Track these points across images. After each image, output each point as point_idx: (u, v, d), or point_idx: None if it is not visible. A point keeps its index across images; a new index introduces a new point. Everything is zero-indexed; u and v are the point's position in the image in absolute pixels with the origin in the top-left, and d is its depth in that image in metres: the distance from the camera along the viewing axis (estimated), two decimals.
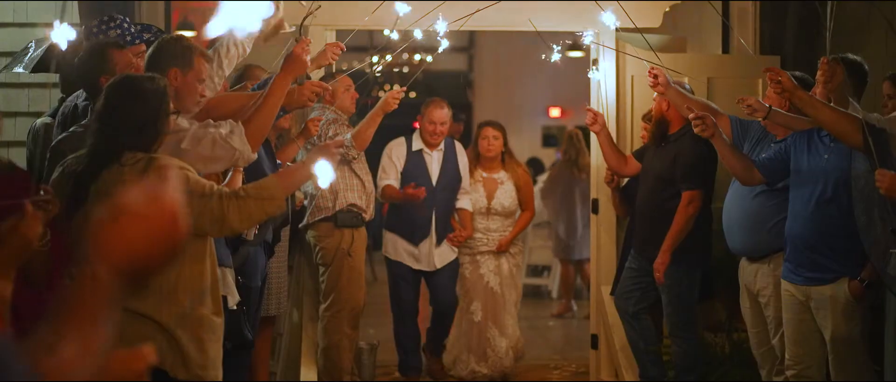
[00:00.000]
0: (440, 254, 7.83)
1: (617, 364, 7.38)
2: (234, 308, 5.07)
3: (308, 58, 4.88)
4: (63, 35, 4.17)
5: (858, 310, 5.49)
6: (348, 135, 6.94)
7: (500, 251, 8.06)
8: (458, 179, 7.98)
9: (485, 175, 8.16)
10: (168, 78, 4.41)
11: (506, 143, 8.22)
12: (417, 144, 7.89)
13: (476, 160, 8.19)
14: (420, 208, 7.73)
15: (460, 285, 8.09)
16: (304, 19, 5.45)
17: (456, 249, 7.92)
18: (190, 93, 4.57)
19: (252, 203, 4.04)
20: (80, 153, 4.10)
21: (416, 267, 7.81)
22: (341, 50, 5.85)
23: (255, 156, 4.66)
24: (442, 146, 7.92)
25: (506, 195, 8.09)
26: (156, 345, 3.86)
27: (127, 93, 4.05)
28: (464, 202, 8.02)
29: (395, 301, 7.90)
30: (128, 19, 5.61)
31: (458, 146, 8.17)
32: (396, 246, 7.84)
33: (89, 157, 4.01)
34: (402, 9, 5.98)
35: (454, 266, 7.95)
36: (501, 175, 8.16)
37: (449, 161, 7.95)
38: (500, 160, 8.21)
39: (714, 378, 6.99)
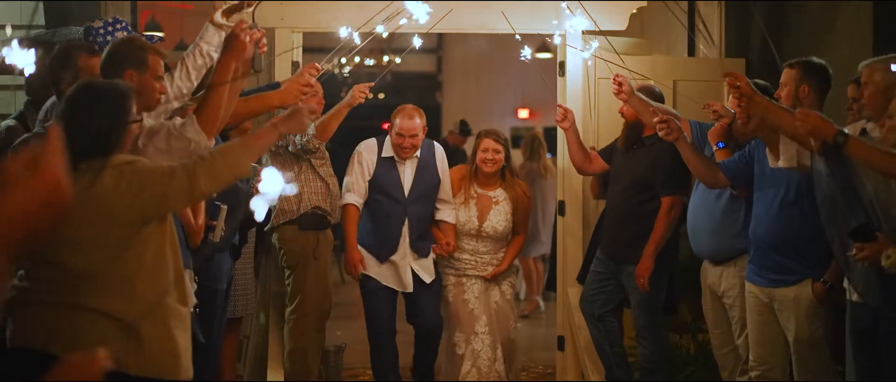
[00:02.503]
0: (416, 273, 7.18)
1: (582, 366, 7.40)
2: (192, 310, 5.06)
3: (247, 38, 4.81)
4: (21, 58, 4.10)
5: (821, 311, 5.54)
6: (311, 126, 6.92)
7: (490, 279, 7.24)
8: (435, 188, 7.24)
9: (479, 191, 7.28)
10: (124, 79, 4.40)
11: (508, 158, 7.29)
12: (388, 150, 7.16)
13: (473, 174, 7.30)
14: (389, 221, 7.17)
15: (443, 309, 7.32)
16: (254, 9, 5.39)
17: (431, 266, 7.20)
18: (149, 92, 4.56)
19: (219, 162, 3.99)
20: None
21: (386, 284, 7.16)
22: (318, 71, 5.89)
23: (213, 143, 4.62)
24: (418, 152, 7.16)
25: (500, 217, 7.22)
26: (117, 344, 3.85)
27: (84, 101, 4.02)
28: (444, 213, 7.28)
29: (370, 320, 7.24)
30: (129, 24, 5.59)
31: (438, 149, 7.37)
32: (368, 260, 7.19)
33: None
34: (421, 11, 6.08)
35: (435, 285, 7.26)
36: (498, 193, 7.27)
37: (426, 168, 7.22)
38: (500, 176, 7.29)
39: (680, 379, 7.02)
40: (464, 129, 14.05)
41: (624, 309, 7.12)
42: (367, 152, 7.18)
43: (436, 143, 7.43)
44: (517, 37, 6.66)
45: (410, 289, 7.15)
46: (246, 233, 6.53)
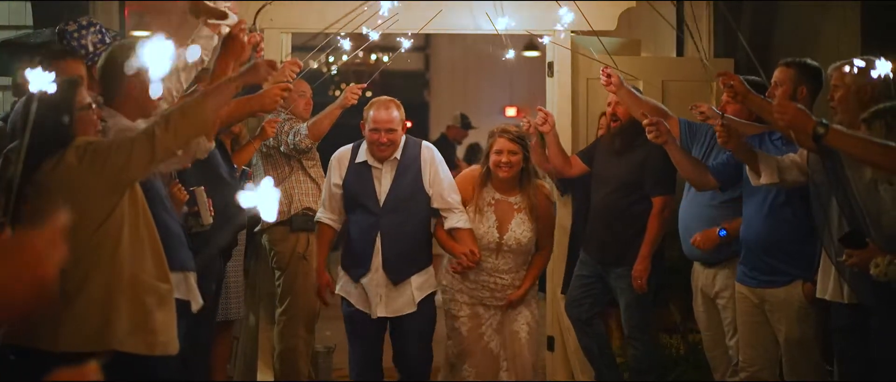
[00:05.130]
0: (394, 299, 6.17)
1: (572, 366, 7.41)
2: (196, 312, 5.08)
3: (246, 38, 4.86)
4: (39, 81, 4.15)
5: (811, 312, 5.54)
6: (304, 125, 6.92)
7: (511, 307, 6.34)
8: (421, 198, 6.20)
9: (498, 197, 6.33)
10: (127, 86, 4.43)
11: (527, 158, 6.33)
12: (363, 155, 6.21)
13: (486, 177, 6.35)
14: (361, 236, 6.22)
15: (455, 341, 6.33)
16: (257, 15, 5.43)
17: (409, 300, 6.17)
18: (148, 97, 4.58)
19: (178, 119, 3.99)
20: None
21: (358, 306, 6.21)
22: (299, 67, 5.88)
23: (213, 144, 4.66)
24: (397, 154, 6.19)
25: (523, 226, 6.29)
26: (93, 324, 3.96)
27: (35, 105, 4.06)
28: (455, 220, 6.25)
29: (351, 353, 6.33)
30: (102, 25, 5.56)
31: (427, 150, 6.32)
32: (348, 284, 6.29)
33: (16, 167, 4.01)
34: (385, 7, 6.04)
35: (425, 314, 6.23)
36: (518, 199, 6.35)
37: (407, 173, 6.21)
38: (518, 181, 6.34)
39: (670, 380, 7.03)
40: (465, 123, 13.86)
41: (609, 311, 7.13)
42: (337, 160, 6.31)
43: (425, 143, 6.44)
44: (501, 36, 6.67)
45: (376, 315, 6.14)
46: (236, 235, 6.51)
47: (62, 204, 3.92)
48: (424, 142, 6.45)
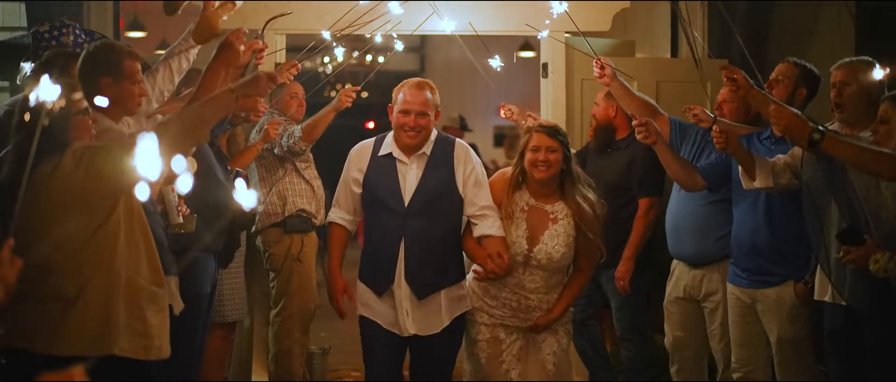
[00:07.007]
0: (422, 315, 5.37)
1: None
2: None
3: (242, 47, 4.86)
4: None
5: (804, 312, 5.56)
6: (297, 128, 6.92)
7: (536, 331, 5.46)
8: (453, 200, 5.41)
9: (532, 202, 5.45)
10: (101, 87, 4.42)
11: (568, 161, 5.45)
12: (387, 147, 5.47)
13: (520, 180, 5.50)
14: (384, 240, 5.44)
15: (473, 367, 5.53)
16: (266, 25, 5.43)
17: (439, 317, 5.38)
18: (128, 97, 4.59)
19: (176, 129, 3.99)
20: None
21: (386, 327, 5.40)
22: (297, 70, 5.86)
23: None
24: (428, 149, 5.45)
25: (558, 240, 5.37)
26: (89, 328, 3.95)
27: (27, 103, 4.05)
28: (486, 226, 5.38)
29: (367, 371, 5.58)
30: (79, 26, 5.54)
31: (461, 148, 5.51)
32: (365, 295, 5.49)
33: (10, 170, 4.01)
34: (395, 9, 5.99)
35: (453, 337, 5.47)
36: (557, 208, 5.44)
37: (437, 170, 5.43)
38: (558, 186, 5.48)
39: (664, 380, 7.03)
40: (463, 125, 13.84)
41: (603, 312, 7.13)
42: (357, 154, 5.54)
43: (459, 140, 5.65)
44: (493, 41, 6.65)
45: (408, 332, 5.36)
46: (238, 237, 6.50)
47: (60, 207, 3.92)
48: (458, 140, 5.67)
